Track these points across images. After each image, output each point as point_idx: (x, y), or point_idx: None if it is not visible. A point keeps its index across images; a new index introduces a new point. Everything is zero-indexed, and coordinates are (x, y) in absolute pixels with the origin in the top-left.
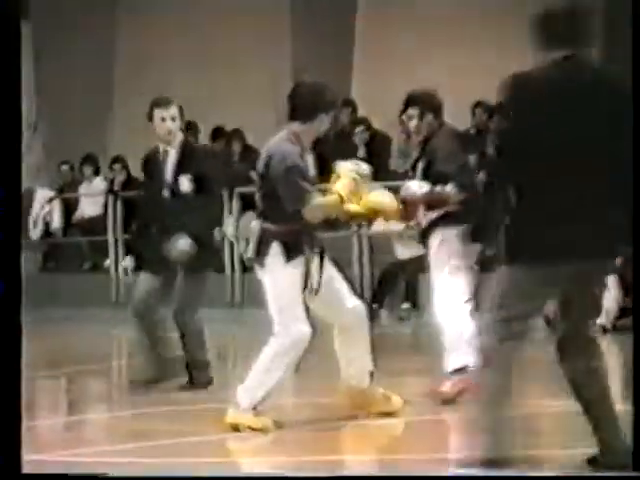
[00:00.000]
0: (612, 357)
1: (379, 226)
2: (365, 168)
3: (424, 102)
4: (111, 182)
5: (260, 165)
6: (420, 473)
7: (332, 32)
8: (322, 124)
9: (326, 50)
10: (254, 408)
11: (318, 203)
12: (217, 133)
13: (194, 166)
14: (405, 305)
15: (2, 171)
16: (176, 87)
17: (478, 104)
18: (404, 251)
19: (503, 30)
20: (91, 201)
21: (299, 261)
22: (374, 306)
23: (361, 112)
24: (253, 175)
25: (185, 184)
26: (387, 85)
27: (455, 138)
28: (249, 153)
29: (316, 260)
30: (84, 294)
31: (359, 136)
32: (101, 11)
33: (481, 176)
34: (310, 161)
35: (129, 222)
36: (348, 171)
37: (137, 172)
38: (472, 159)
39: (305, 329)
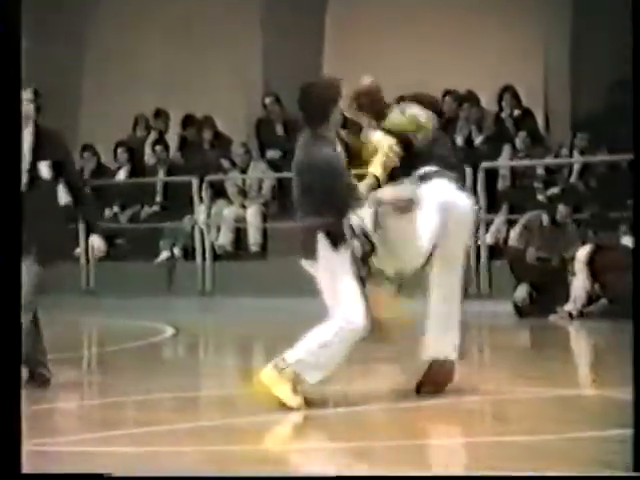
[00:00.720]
0: (580, 343)
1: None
2: (393, 143)
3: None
4: (81, 170)
5: (300, 170)
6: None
7: (303, 15)
8: (337, 114)
9: (297, 35)
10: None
11: (364, 193)
12: (188, 121)
13: (51, 152)
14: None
15: (1, 170)
16: (146, 75)
17: (447, 93)
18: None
19: (470, 23)
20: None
21: (345, 248)
22: None
23: None
24: (224, 163)
25: (44, 171)
26: (357, 73)
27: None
28: (220, 140)
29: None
30: (53, 282)
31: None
32: None
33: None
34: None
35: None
36: (384, 147)
37: (108, 159)
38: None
39: (363, 320)
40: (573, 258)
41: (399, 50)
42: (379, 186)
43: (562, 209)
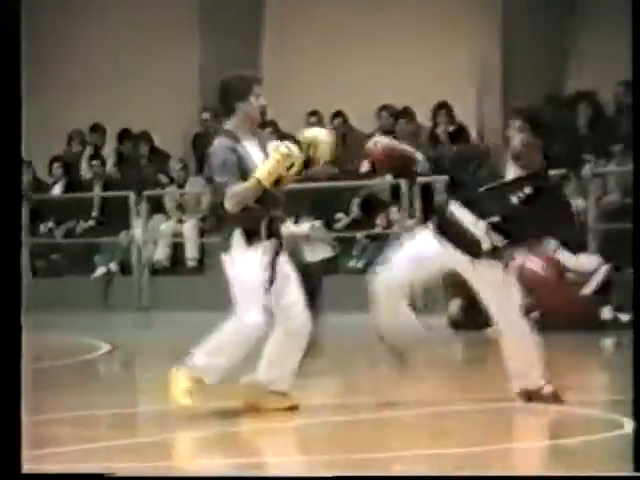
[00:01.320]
0: None
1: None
2: (288, 148)
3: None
4: None
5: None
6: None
7: (241, 26)
8: (251, 107)
9: (235, 46)
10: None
11: (233, 191)
12: (124, 135)
13: None
14: None
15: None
16: (82, 89)
17: (384, 108)
18: (312, 254)
19: (407, 39)
20: None
21: (259, 248)
22: None
23: (269, 114)
24: (162, 178)
25: None
26: (295, 87)
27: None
28: (157, 155)
29: (272, 251)
30: None
31: (270, 136)
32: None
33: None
34: (254, 147)
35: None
36: (272, 151)
37: (44, 174)
38: None
39: (258, 318)
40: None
41: (337, 62)
42: (265, 191)
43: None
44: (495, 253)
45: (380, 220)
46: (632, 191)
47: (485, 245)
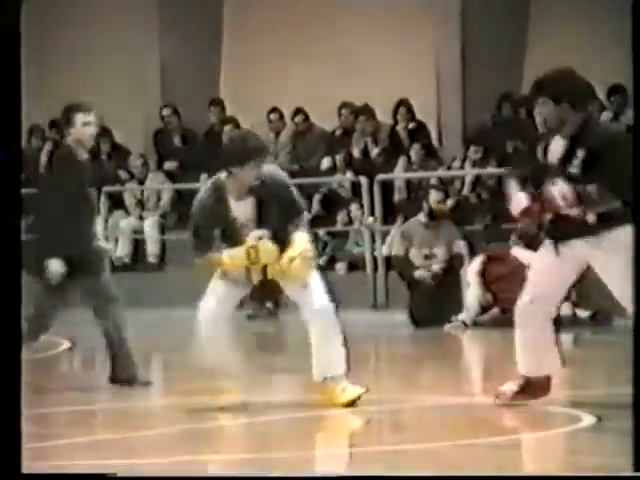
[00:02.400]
0: (474, 351)
1: None
2: (260, 245)
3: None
4: None
5: None
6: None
7: (201, 23)
8: (249, 174)
9: (195, 42)
10: None
11: (200, 253)
12: None
13: None
14: (267, 304)
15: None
16: (42, 86)
17: (344, 105)
18: None
19: (366, 36)
20: None
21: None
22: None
23: (230, 111)
24: (122, 174)
25: None
26: (256, 84)
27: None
28: (117, 152)
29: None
30: None
31: (228, 135)
32: None
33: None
34: (244, 206)
35: None
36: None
37: None
38: (338, 159)
39: (203, 316)
40: (460, 265)
41: (298, 59)
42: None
43: (435, 195)
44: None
45: (341, 217)
46: (633, 195)
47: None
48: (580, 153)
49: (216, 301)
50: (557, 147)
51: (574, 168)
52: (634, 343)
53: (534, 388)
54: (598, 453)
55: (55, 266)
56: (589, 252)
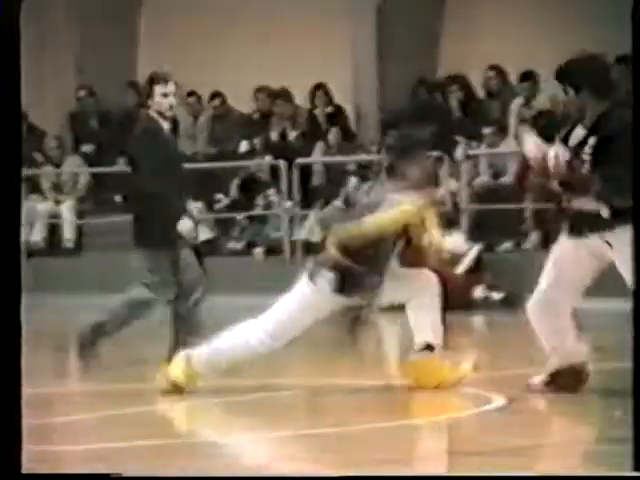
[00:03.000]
0: (391, 335)
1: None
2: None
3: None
4: None
5: None
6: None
7: (118, 8)
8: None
9: (113, 25)
10: None
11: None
12: None
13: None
14: None
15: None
16: None
17: (261, 89)
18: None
19: (282, 21)
20: None
21: None
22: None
23: None
24: (37, 157)
25: None
26: (173, 67)
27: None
28: (32, 134)
29: None
30: None
31: None
32: None
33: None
34: None
35: None
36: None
37: None
38: (256, 143)
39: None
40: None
41: (215, 43)
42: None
43: (353, 182)
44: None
45: (259, 201)
46: (633, 191)
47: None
48: (592, 140)
49: None
50: (575, 138)
51: (585, 155)
52: (634, 341)
53: (564, 379)
54: (507, 433)
55: (185, 225)
56: (606, 247)
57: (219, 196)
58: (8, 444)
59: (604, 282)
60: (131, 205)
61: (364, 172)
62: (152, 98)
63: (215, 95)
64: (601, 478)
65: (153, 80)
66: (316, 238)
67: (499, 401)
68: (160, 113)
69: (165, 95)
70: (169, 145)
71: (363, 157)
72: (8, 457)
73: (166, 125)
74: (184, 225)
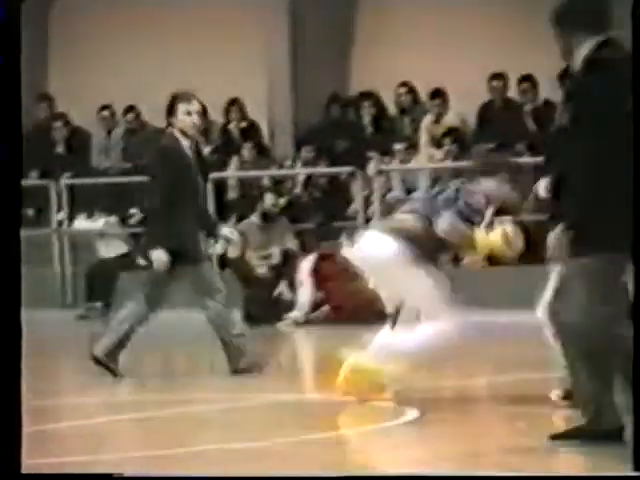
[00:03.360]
0: (305, 348)
1: None
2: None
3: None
4: None
5: None
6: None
7: (28, 20)
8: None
9: (22, 39)
10: None
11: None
12: None
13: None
14: (97, 303)
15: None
16: None
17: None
18: (107, 250)
19: (197, 35)
20: None
21: None
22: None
23: (60, 107)
24: None
25: None
26: (86, 81)
27: None
28: None
29: None
30: None
31: (58, 132)
32: None
33: None
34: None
35: None
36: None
37: None
38: None
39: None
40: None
41: (130, 56)
42: None
43: (269, 199)
44: None
45: None
46: (632, 191)
47: None
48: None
49: None
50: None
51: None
52: (634, 345)
53: None
54: (420, 446)
55: (158, 256)
56: None
57: (132, 211)
58: (8, 444)
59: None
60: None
61: (278, 187)
62: (175, 116)
63: (129, 109)
64: (601, 478)
65: (176, 98)
66: (233, 253)
67: (412, 413)
68: (183, 132)
69: (189, 113)
70: (185, 164)
71: (277, 172)
72: (8, 457)
73: (186, 144)
74: (155, 255)
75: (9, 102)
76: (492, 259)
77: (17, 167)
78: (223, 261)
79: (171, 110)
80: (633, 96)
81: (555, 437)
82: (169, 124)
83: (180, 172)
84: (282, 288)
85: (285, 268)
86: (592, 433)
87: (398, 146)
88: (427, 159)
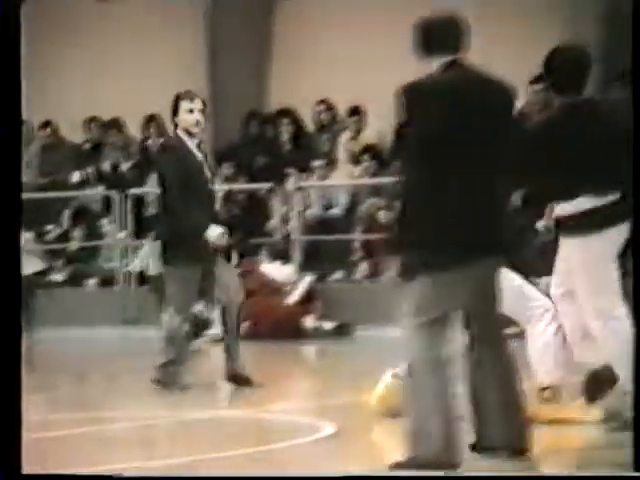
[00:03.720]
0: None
1: None
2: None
3: None
4: None
5: None
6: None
7: None
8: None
9: None
10: None
11: None
12: None
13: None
14: None
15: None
16: None
17: (92, 119)
18: (24, 267)
19: (121, 42)
20: None
21: None
22: None
23: None
24: None
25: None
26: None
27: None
28: None
29: None
30: None
31: None
32: None
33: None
34: None
35: None
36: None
37: None
38: (88, 173)
39: None
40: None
41: (47, 71)
42: None
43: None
44: None
45: (93, 231)
46: (632, 191)
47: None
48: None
49: None
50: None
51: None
52: (635, 341)
53: (597, 383)
54: (338, 460)
55: (214, 232)
56: None
57: (49, 227)
58: (8, 444)
59: None
60: (158, 223)
61: None
62: (178, 115)
63: (45, 124)
64: (601, 478)
65: (179, 97)
66: (154, 271)
67: (329, 428)
68: (187, 130)
69: (191, 111)
70: (191, 161)
71: None
72: (8, 457)
73: (192, 142)
74: (213, 232)
75: (9, 102)
76: None
77: (16, 167)
78: (143, 278)
79: (175, 110)
80: (633, 97)
81: (395, 466)
82: (174, 124)
83: (185, 169)
84: (200, 306)
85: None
86: (423, 463)
87: (317, 163)
88: (346, 176)
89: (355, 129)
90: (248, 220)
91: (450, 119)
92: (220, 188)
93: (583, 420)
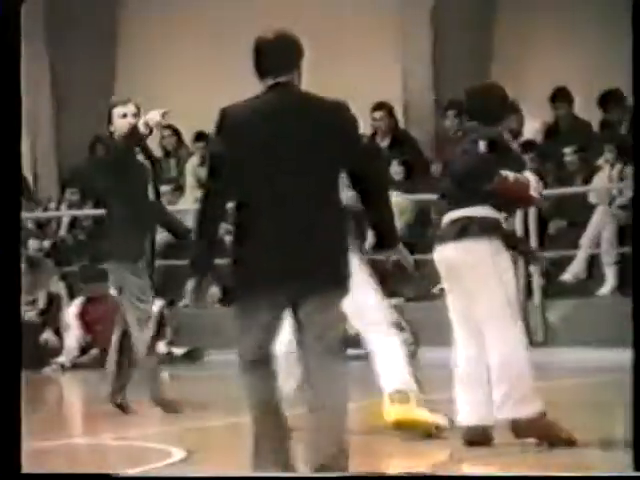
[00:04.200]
0: (72, 393)
1: None
2: None
3: None
4: None
5: None
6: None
7: None
8: None
9: None
10: None
11: None
12: None
13: None
14: None
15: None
16: None
17: None
18: None
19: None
20: None
21: None
22: None
23: None
24: None
25: None
26: None
27: None
28: None
29: None
30: None
31: None
32: None
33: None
34: None
35: None
36: None
37: None
38: None
39: None
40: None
41: None
42: None
43: (33, 243)
44: None
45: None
46: (633, 191)
47: None
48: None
49: None
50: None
51: None
52: (634, 345)
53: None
54: None
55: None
56: None
57: None
58: (8, 444)
59: None
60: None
61: (40, 231)
62: (112, 123)
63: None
64: (601, 478)
65: (112, 105)
66: None
67: (179, 454)
68: (127, 137)
69: (124, 115)
70: (131, 169)
71: (41, 214)
72: (8, 457)
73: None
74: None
75: (9, 102)
76: None
77: (16, 167)
78: None
79: (109, 118)
80: (633, 97)
81: None
82: (110, 133)
83: (125, 179)
84: (48, 334)
85: (51, 312)
86: None
87: (164, 188)
88: (193, 201)
89: (202, 154)
90: (94, 246)
91: (258, 144)
92: (65, 214)
93: (431, 423)
